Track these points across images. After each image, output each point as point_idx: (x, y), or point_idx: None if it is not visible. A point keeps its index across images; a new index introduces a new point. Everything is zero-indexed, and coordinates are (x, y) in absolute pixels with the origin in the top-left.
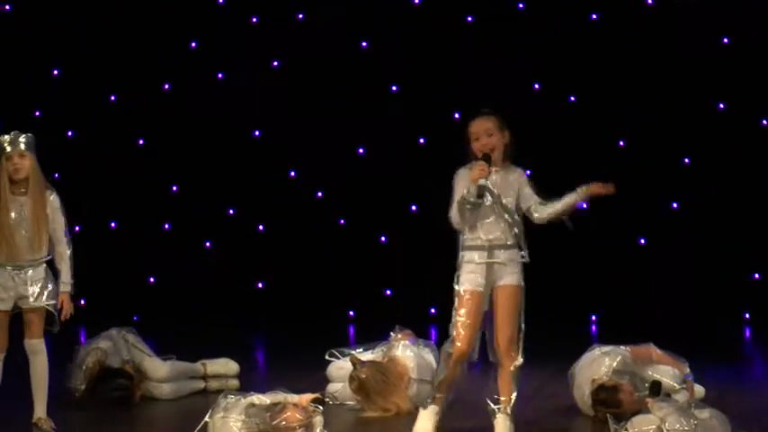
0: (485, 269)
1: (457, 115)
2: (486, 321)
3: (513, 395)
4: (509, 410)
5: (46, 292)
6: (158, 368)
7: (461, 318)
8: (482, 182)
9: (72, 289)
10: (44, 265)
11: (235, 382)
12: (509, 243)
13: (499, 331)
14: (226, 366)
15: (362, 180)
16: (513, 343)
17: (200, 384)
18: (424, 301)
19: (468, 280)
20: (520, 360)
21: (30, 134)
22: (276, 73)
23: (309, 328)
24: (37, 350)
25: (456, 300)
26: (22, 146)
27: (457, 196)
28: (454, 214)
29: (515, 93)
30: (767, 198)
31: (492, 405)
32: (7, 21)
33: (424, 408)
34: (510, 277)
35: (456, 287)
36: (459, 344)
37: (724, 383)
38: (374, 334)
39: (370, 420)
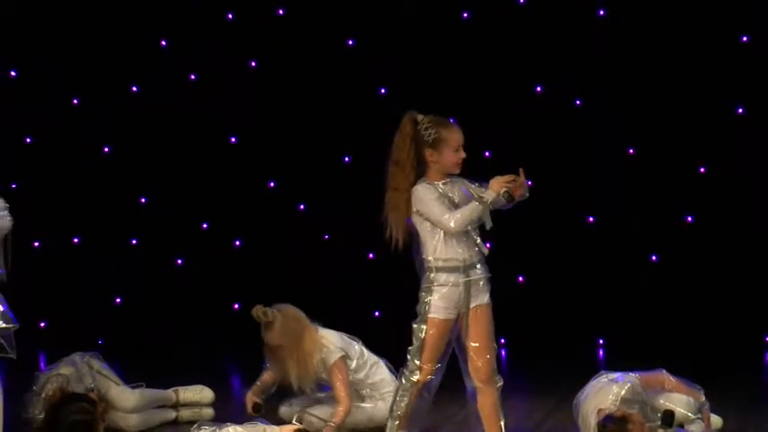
0: (460, 292)
1: (452, 120)
2: (454, 346)
3: (503, 422)
4: None
5: None
6: (127, 397)
7: (430, 347)
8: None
9: None
10: None
11: (209, 411)
12: (479, 260)
13: (481, 355)
14: (200, 394)
15: (348, 191)
16: (495, 365)
17: (172, 414)
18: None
19: (442, 307)
20: (501, 381)
21: None
22: (254, 74)
23: None
24: None
25: (424, 326)
26: None
27: (437, 209)
28: (467, 219)
29: (515, 96)
30: None
31: None
32: None
33: None
34: (484, 296)
35: (428, 315)
36: (423, 373)
37: (743, 413)
38: None
39: None
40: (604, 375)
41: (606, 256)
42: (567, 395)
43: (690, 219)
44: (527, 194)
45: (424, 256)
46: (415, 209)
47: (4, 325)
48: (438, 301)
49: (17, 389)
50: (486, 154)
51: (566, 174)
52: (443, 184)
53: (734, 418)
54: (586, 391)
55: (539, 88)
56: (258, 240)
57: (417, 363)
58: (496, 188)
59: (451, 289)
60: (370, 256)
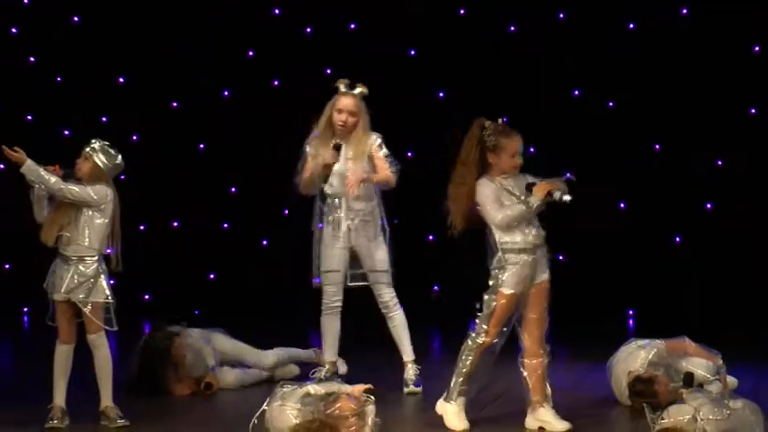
0: (528, 269)
1: (500, 120)
2: (516, 317)
3: (548, 382)
4: (551, 401)
5: (82, 287)
6: (266, 357)
7: (498, 315)
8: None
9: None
10: (91, 260)
11: (295, 369)
12: (542, 242)
13: (537, 326)
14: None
15: (412, 182)
16: (546, 334)
17: (264, 374)
18: (468, 297)
19: (512, 282)
20: (549, 348)
21: (101, 142)
22: (329, 80)
23: (359, 321)
24: (95, 345)
25: (494, 297)
26: (87, 149)
27: (489, 205)
28: (512, 219)
29: (556, 98)
30: None
31: (536, 397)
32: (76, 32)
33: (452, 401)
34: (545, 273)
35: (499, 288)
36: (489, 336)
37: (756, 375)
38: (422, 323)
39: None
40: (634, 342)
41: (636, 237)
42: (601, 359)
43: (709, 206)
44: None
45: (496, 239)
46: (477, 200)
47: (91, 299)
48: (509, 278)
49: (124, 355)
50: (531, 150)
51: (600, 166)
52: (503, 178)
53: (748, 380)
54: (618, 355)
55: (576, 92)
56: None
57: (485, 327)
58: (540, 195)
59: (521, 267)
60: (430, 238)
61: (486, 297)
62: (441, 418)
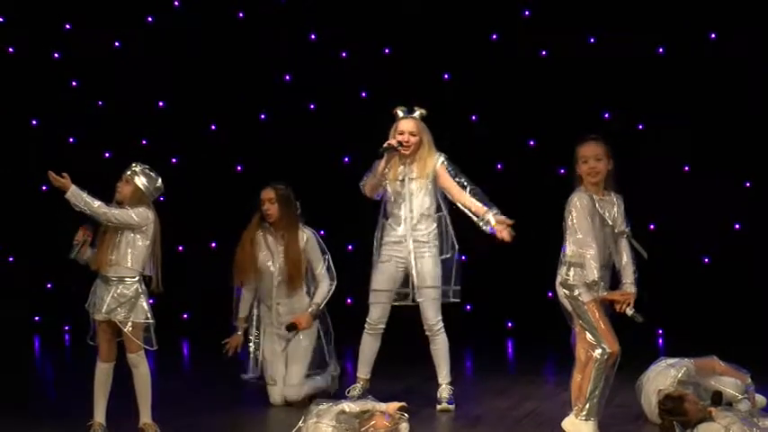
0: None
1: (532, 143)
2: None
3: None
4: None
5: (122, 308)
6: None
7: (600, 324)
8: None
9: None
10: (132, 281)
11: None
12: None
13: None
14: None
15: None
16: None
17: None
18: (501, 316)
19: (589, 291)
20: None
21: (142, 166)
22: (364, 103)
23: (391, 340)
24: (134, 364)
25: (581, 310)
26: (128, 172)
27: (590, 248)
28: (589, 269)
29: (587, 121)
30: None
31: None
32: (117, 57)
33: (592, 419)
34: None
35: (579, 301)
36: (612, 346)
37: None
38: (456, 343)
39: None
40: (663, 361)
41: (665, 258)
42: (631, 378)
43: (737, 226)
44: None
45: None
46: (567, 209)
47: (150, 318)
48: (586, 290)
49: (162, 373)
50: (561, 171)
51: (630, 188)
52: (600, 198)
53: None
54: (648, 374)
55: (606, 115)
56: (366, 245)
57: (602, 340)
58: (615, 298)
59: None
60: (463, 258)
61: (578, 317)
62: None
